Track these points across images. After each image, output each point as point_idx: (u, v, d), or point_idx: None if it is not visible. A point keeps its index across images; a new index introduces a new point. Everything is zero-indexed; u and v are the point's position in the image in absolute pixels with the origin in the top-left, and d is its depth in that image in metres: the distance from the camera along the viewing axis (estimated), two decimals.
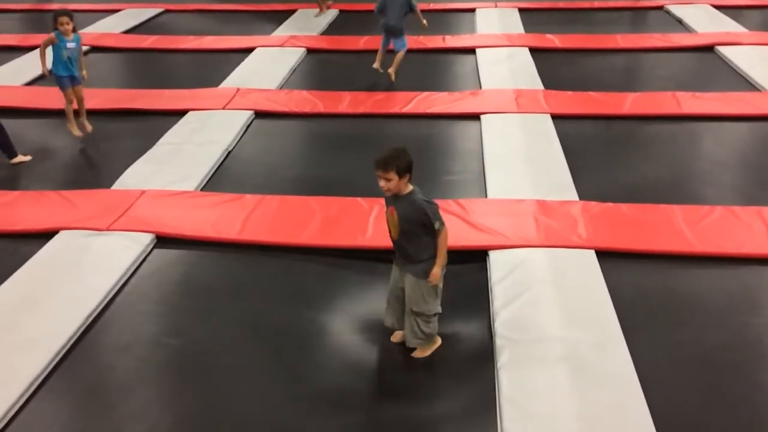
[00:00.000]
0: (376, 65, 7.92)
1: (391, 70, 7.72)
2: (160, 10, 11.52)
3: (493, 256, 4.36)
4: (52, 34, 6.10)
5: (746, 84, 7.55)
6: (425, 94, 7.25)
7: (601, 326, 3.72)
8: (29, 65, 8.29)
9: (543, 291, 4.00)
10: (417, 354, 3.62)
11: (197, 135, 6.36)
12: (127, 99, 7.34)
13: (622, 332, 3.66)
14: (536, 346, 3.58)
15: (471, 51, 8.79)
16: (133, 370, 3.61)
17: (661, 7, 10.95)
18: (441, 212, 3.34)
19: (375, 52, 8.06)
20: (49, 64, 6.24)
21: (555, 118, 6.54)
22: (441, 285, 3.49)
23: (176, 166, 5.73)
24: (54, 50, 6.14)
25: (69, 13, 6.16)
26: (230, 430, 3.22)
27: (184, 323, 3.97)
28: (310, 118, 6.95)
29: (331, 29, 10.25)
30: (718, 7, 10.49)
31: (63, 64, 6.17)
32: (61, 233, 4.72)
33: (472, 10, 10.89)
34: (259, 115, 6.95)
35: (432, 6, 11.04)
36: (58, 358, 3.64)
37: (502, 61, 8.23)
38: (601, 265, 4.23)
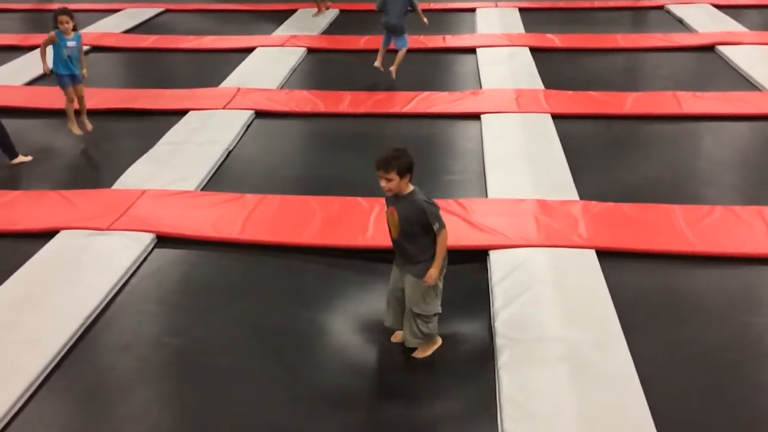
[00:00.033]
0: (377, 63, 7.92)
1: (392, 68, 7.73)
2: (161, 9, 11.52)
3: (494, 256, 4.36)
4: (53, 33, 6.10)
5: (747, 84, 7.55)
6: (426, 93, 7.25)
7: (601, 326, 3.72)
8: (29, 65, 8.30)
9: (543, 291, 4.00)
10: (417, 354, 3.62)
11: (198, 135, 6.36)
12: (127, 99, 7.34)
13: (623, 332, 3.66)
14: (537, 346, 3.58)
15: (471, 51, 8.78)
16: (134, 370, 3.61)
17: (661, 7, 10.94)
18: (441, 212, 3.33)
19: (375, 51, 8.06)
20: (49, 63, 6.25)
21: (555, 117, 6.54)
22: (441, 285, 3.48)
23: (177, 166, 5.73)
24: (54, 49, 6.15)
25: (69, 12, 6.16)
26: (230, 430, 3.22)
27: (185, 323, 3.97)
28: (310, 117, 6.95)
29: (332, 29, 10.25)
30: (718, 7, 10.49)
31: (63, 63, 6.18)
32: (62, 233, 4.72)
33: (473, 10, 10.89)
34: (260, 114, 6.94)
35: (432, 6, 11.04)
36: (58, 358, 3.64)
37: (502, 61, 8.23)
38: (601, 265, 4.23)
